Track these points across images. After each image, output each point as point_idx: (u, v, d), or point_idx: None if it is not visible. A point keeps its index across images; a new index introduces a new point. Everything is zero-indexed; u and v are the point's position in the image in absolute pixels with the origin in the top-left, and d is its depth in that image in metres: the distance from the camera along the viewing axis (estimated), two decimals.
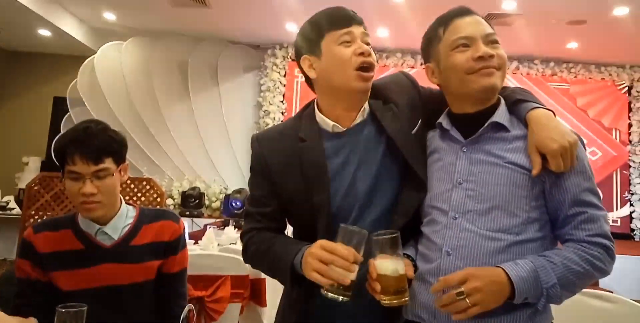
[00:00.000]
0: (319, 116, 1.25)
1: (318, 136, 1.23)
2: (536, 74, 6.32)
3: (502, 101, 1.20)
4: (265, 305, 2.41)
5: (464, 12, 1.18)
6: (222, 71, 6.36)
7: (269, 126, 6.12)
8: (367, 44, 1.20)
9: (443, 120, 1.22)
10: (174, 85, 6.27)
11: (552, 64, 6.28)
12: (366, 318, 1.18)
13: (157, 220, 1.47)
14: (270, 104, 6.29)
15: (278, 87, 6.31)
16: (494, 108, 1.17)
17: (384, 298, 1.03)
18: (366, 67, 1.17)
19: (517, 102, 1.18)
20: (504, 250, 1.06)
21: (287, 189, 1.22)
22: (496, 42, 1.15)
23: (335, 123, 1.23)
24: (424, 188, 1.19)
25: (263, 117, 6.30)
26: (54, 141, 1.37)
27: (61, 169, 1.34)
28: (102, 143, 1.33)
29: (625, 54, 5.73)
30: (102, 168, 1.33)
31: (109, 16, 5.70)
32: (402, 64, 6.26)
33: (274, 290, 2.41)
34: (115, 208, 1.42)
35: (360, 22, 1.21)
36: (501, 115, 1.16)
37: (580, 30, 5.08)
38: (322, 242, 1.05)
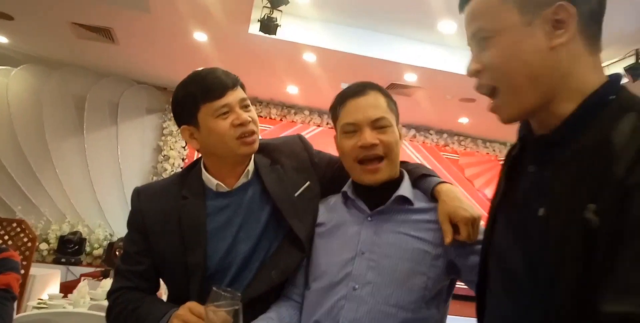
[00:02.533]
0: (205, 175, 1.23)
1: (201, 194, 1.21)
2: (431, 143, 6.78)
3: (406, 175, 1.22)
4: None
5: (359, 91, 1.19)
6: (123, 110, 6.07)
7: (167, 171, 5.87)
8: (246, 107, 1.19)
9: (347, 189, 1.23)
10: (67, 120, 5.85)
11: (445, 135, 6.79)
12: None
13: None
14: (171, 148, 6.06)
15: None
16: (397, 181, 1.19)
17: None
18: (247, 136, 1.17)
19: (423, 177, 1.22)
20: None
21: (162, 248, 1.18)
22: (386, 126, 1.15)
23: (219, 182, 1.21)
24: (303, 249, 1.18)
25: (162, 162, 6.03)
26: None
27: None
28: None
29: (507, 132, 6.36)
30: None
31: (0, 39, 5.26)
32: (309, 122, 6.41)
33: None
34: None
35: (236, 86, 1.19)
36: (406, 189, 1.18)
37: (471, 107, 5.56)
38: (191, 305, 1.02)
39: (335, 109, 1.22)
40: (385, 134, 1.15)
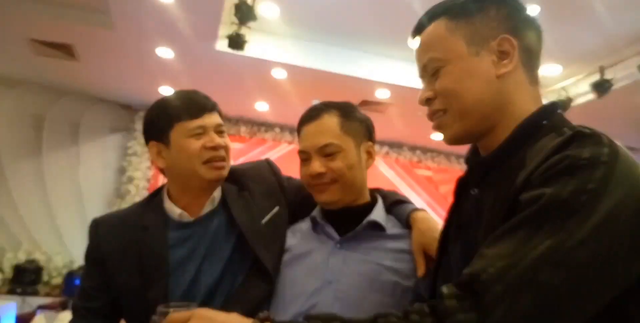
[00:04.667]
0: (167, 203, 1.19)
1: (162, 225, 1.16)
2: (404, 160, 6.75)
3: (380, 200, 1.20)
4: None
5: (311, 116, 1.18)
6: (85, 130, 5.82)
7: (131, 193, 5.62)
8: (221, 132, 1.18)
9: (316, 214, 1.19)
10: (24, 140, 5.56)
11: (418, 151, 6.78)
12: None
13: None
14: (136, 169, 5.82)
15: (146, 153, 5.89)
16: (368, 206, 1.17)
17: None
18: (217, 161, 1.16)
19: (398, 203, 1.21)
20: None
21: (121, 282, 1.13)
22: (334, 153, 1.14)
23: (182, 211, 1.17)
24: (271, 281, 1.14)
25: (125, 184, 5.77)
26: None
27: None
28: None
29: None
30: None
31: None
32: (280, 139, 6.29)
33: None
34: None
35: (213, 109, 1.19)
36: (378, 214, 1.15)
37: None
38: None
39: (298, 135, 1.23)
40: (334, 161, 1.13)
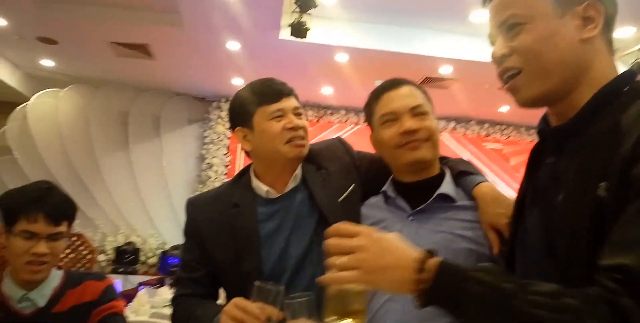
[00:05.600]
0: (254, 182, 1.27)
1: (252, 201, 1.24)
2: (472, 134, 6.64)
3: (447, 172, 1.21)
4: None
5: (393, 84, 1.21)
6: (165, 122, 6.24)
7: (211, 179, 6.00)
8: (299, 114, 1.25)
9: (388, 188, 1.22)
10: (113, 135, 6.07)
11: (486, 125, 6.63)
12: None
13: (80, 283, 1.41)
14: (214, 156, 6.19)
15: (222, 140, 6.24)
16: (438, 178, 1.18)
17: None
18: (297, 139, 1.22)
19: (461, 175, 1.21)
20: None
21: (217, 255, 1.22)
22: (425, 113, 1.17)
23: (269, 189, 1.25)
24: None
25: (205, 170, 6.16)
26: (5, 195, 1.35)
27: (7, 224, 1.29)
28: (62, 206, 1.33)
29: None
30: (59, 231, 1.32)
31: (47, 63, 5.52)
32: (345, 121, 6.41)
33: None
34: (49, 273, 1.36)
35: (290, 94, 1.26)
36: (447, 186, 1.17)
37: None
38: (236, 300, 1.04)
39: (370, 106, 1.23)
40: (426, 120, 1.16)
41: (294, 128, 1.22)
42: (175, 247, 5.30)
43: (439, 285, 0.70)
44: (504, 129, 6.65)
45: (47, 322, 1.30)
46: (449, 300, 0.70)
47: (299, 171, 1.26)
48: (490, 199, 1.11)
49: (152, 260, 5.79)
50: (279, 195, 1.25)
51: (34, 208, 1.28)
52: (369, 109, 1.25)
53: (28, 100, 5.86)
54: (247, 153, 1.30)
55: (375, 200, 1.26)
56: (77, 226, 5.52)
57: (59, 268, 1.42)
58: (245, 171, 1.32)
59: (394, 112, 1.17)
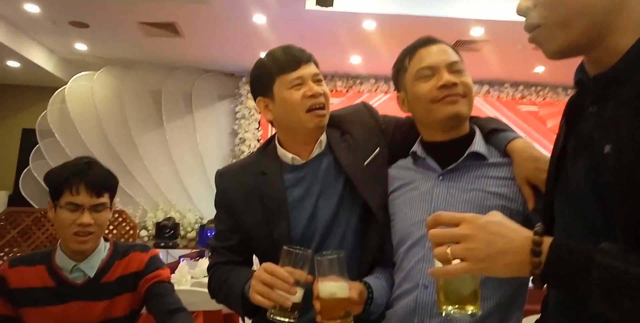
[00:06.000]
0: (280, 150, 1.28)
1: (278, 169, 1.26)
2: (506, 98, 6.47)
3: (477, 131, 1.20)
4: None
5: (429, 41, 1.19)
6: (197, 99, 6.33)
7: (245, 153, 6.10)
8: (319, 81, 1.24)
9: (417, 148, 1.21)
10: (147, 114, 6.21)
11: (521, 87, 6.45)
12: None
13: (127, 254, 1.48)
14: (246, 131, 6.27)
15: (253, 115, 6.31)
16: (468, 137, 1.17)
17: (325, 321, 1.00)
18: (317, 108, 1.21)
19: (493, 132, 1.19)
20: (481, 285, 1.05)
21: (248, 223, 1.25)
22: (461, 70, 1.15)
23: (294, 156, 1.26)
24: (375, 220, 1.21)
25: (238, 145, 6.26)
26: (49, 172, 1.42)
27: (54, 199, 1.38)
28: (103, 178, 1.41)
29: None
30: (101, 202, 1.39)
31: (81, 47, 5.65)
32: (375, 90, 6.35)
33: None
34: (97, 244, 1.43)
35: (308, 60, 1.24)
36: (479, 144, 1.15)
37: None
38: (265, 265, 1.06)
39: (403, 62, 1.21)
40: (463, 76, 1.14)
41: (314, 95, 1.20)
42: (212, 221, 5.46)
43: (557, 266, 0.68)
44: (540, 90, 6.46)
45: (97, 291, 1.38)
46: (570, 283, 0.67)
47: (323, 138, 1.27)
48: (526, 155, 1.09)
49: (191, 234, 5.99)
50: (304, 162, 1.26)
51: (76, 180, 1.36)
52: (400, 66, 1.22)
53: (65, 84, 6.04)
54: (271, 122, 1.31)
55: (404, 162, 1.26)
56: (119, 204, 5.75)
57: (106, 240, 1.49)
58: (270, 141, 1.34)
59: (432, 67, 1.14)
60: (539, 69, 5.88)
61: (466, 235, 0.73)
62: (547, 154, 0.98)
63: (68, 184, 1.36)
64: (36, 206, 5.57)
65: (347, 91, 6.36)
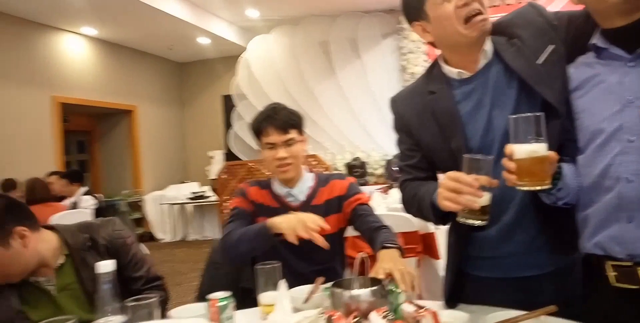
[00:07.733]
0: (445, 67, 1.28)
1: (446, 85, 1.26)
2: None
3: None
4: (439, 258, 2.51)
5: None
6: (362, 42, 6.48)
7: None
8: None
9: (597, 40, 1.11)
10: (319, 64, 6.59)
11: None
12: (533, 256, 1.21)
13: (328, 182, 1.72)
14: (415, 65, 6.24)
15: (420, 48, 6.21)
16: None
17: (519, 183, 1.01)
18: (474, 15, 1.16)
19: None
20: None
21: (426, 140, 1.29)
22: None
23: (460, 70, 1.25)
24: (557, 114, 1.13)
25: (409, 80, 6.27)
26: (251, 123, 1.72)
27: (259, 143, 1.69)
28: (286, 117, 1.65)
29: None
30: (289, 138, 1.64)
31: (252, 13, 6.19)
32: None
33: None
34: (300, 174, 1.71)
35: None
36: None
37: None
38: (449, 173, 1.09)
39: None
40: None
41: (467, 3, 1.15)
42: (396, 156, 5.68)
43: None
44: None
45: (310, 212, 1.60)
46: None
47: (488, 47, 1.23)
48: None
49: (379, 171, 6.35)
50: (471, 75, 1.24)
51: (266, 124, 1.64)
52: None
53: (244, 50, 6.74)
54: (432, 44, 1.30)
55: (584, 58, 1.16)
56: (311, 150, 6.35)
57: (310, 171, 1.76)
58: (435, 63, 1.35)
59: None
60: None
61: None
62: None
63: (262, 128, 1.66)
64: (246, 159, 6.51)
65: (518, 2, 5.80)
